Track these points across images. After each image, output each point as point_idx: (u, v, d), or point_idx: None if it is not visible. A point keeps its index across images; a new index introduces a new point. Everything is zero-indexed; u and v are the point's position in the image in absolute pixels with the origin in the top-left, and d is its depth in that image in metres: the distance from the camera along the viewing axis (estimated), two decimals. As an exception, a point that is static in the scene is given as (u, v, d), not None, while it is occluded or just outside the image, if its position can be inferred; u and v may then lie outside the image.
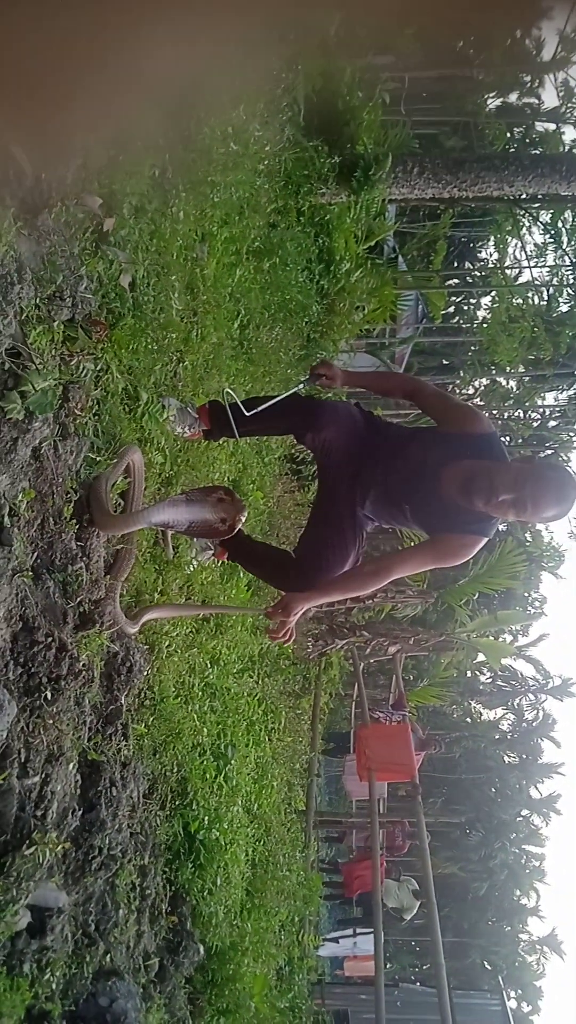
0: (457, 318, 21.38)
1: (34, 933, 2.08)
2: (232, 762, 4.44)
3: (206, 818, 3.84)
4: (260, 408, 3.22)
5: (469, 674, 17.41)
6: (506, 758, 23.24)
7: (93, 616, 2.46)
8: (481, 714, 22.77)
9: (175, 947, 3.58)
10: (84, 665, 2.41)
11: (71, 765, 2.35)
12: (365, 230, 9.23)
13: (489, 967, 22.86)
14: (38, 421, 2.04)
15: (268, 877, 5.15)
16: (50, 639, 2.18)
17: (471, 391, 20.48)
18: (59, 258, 2.35)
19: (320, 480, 3.32)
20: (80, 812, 2.41)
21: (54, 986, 2.24)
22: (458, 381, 19.18)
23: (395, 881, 10.32)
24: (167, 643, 3.62)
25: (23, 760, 2.01)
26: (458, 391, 20.91)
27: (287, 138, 6.54)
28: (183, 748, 3.75)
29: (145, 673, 3.10)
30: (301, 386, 3.26)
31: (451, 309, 21.06)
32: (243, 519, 2.84)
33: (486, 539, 2.88)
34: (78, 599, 2.42)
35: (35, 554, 2.29)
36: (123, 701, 2.87)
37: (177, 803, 3.70)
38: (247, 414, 3.23)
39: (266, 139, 5.71)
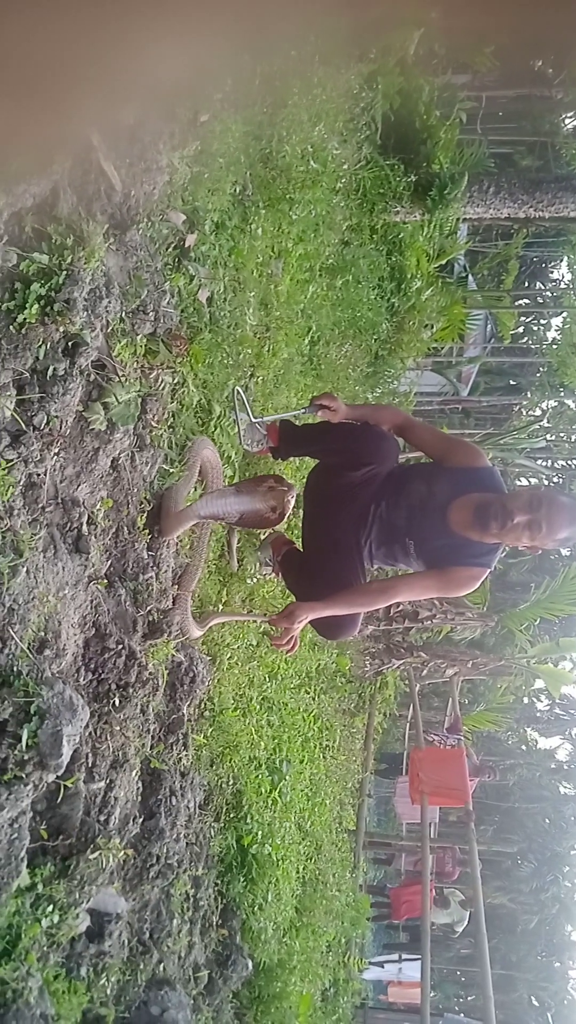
0: (526, 338, 21.13)
1: (92, 937, 2.10)
2: (287, 777, 4.43)
3: (259, 832, 3.84)
4: (278, 416, 3.34)
5: (526, 700, 17.07)
6: (562, 788, 22.70)
7: (161, 626, 2.49)
8: (537, 742, 22.32)
9: (224, 960, 3.58)
10: (151, 674, 2.44)
11: (134, 772, 2.37)
12: (437, 248, 9.22)
13: (537, 1003, 22.27)
14: (119, 432, 2.08)
15: (317, 896, 5.12)
16: (120, 646, 2.21)
17: (538, 412, 20.21)
18: (144, 273, 2.40)
19: (323, 506, 3.34)
20: (141, 819, 2.43)
21: (109, 991, 2.26)
22: (524, 402, 18.93)
23: (443, 908, 10.14)
24: (228, 655, 3.64)
25: (90, 765, 2.04)
26: (524, 412, 20.67)
27: (364, 156, 6.57)
28: (240, 761, 3.76)
29: (207, 684, 3.12)
30: (302, 412, 3.30)
31: (520, 329, 20.82)
32: (292, 502, 2.83)
33: (490, 571, 2.97)
34: (148, 608, 2.45)
35: (109, 562, 2.33)
36: (185, 711, 2.90)
37: (232, 815, 3.71)
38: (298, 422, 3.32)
39: (344, 157, 5.75)
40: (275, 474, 3.10)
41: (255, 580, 4.17)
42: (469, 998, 20.48)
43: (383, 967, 10.41)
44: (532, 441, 9.22)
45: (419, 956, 8.21)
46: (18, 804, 1.57)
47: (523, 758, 21.24)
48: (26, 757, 1.56)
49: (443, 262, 9.99)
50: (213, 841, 3.49)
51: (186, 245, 3.01)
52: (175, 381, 2.84)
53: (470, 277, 15.07)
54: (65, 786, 1.78)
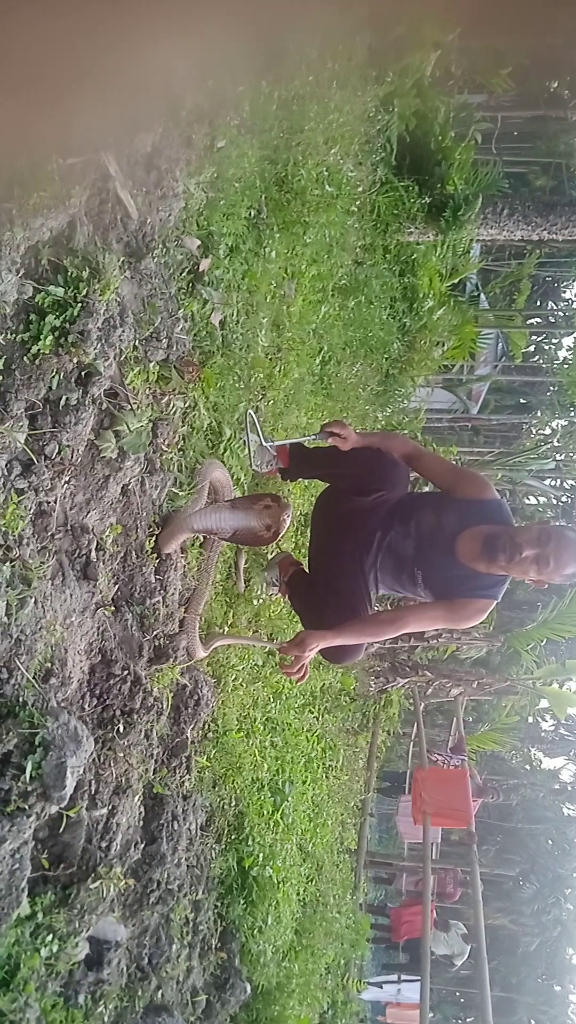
0: (537, 357, 21.14)
1: (91, 965, 2.10)
2: (289, 799, 4.42)
3: (261, 855, 3.82)
4: (289, 441, 3.34)
5: (531, 720, 16.98)
6: (566, 810, 22.53)
7: (167, 650, 2.49)
8: (541, 762, 22.17)
9: (222, 983, 3.57)
10: (156, 698, 2.44)
11: (136, 797, 2.38)
12: (450, 268, 9.25)
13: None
14: (130, 460, 2.09)
15: (317, 917, 5.10)
16: (126, 672, 2.22)
17: (548, 431, 20.19)
18: (158, 300, 2.41)
19: (330, 529, 3.35)
20: (142, 845, 2.43)
21: (106, 1019, 2.25)
22: (534, 421, 18.93)
23: (443, 932, 10.06)
24: (233, 676, 3.64)
25: (93, 792, 2.04)
26: (534, 431, 20.65)
27: (379, 178, 6.60)
28: (242, 782, 3.76)
29: (211, 707, 3.12)
30: (312, 438, 3.32)
31: (531, 348, 20.83)
32: (287, 520, 2.83)
33: (496, 602, 2.97)
34: (154, 632, 2.46)
35: (116, 587, 2.34)
36: (189, 734, 2.90)
37: (233, 837, 3.70)
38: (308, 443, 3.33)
39: (359, 179, 5.78)
40: (272, 493, 3.10)
41: (261, 600, 4.18)
42: (468, 1020, 20.34)
43: (382, 987, 10.33)
44: (541, 461, 9.20)
45: (418, 977, 8.15)
46: (20, 835, 1.58)
47: (527, 778, 21.11)
48: (30, 788, 1.57)
49: (455, 281, 10.03)
50: (214, 863, 3.48)
51: (200, 270, 3.03)
52: (186, 405, 2.85)
53: (482, 296, 15.11)
54: (68, 815, 1.78)
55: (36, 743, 1.59)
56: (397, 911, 10.68)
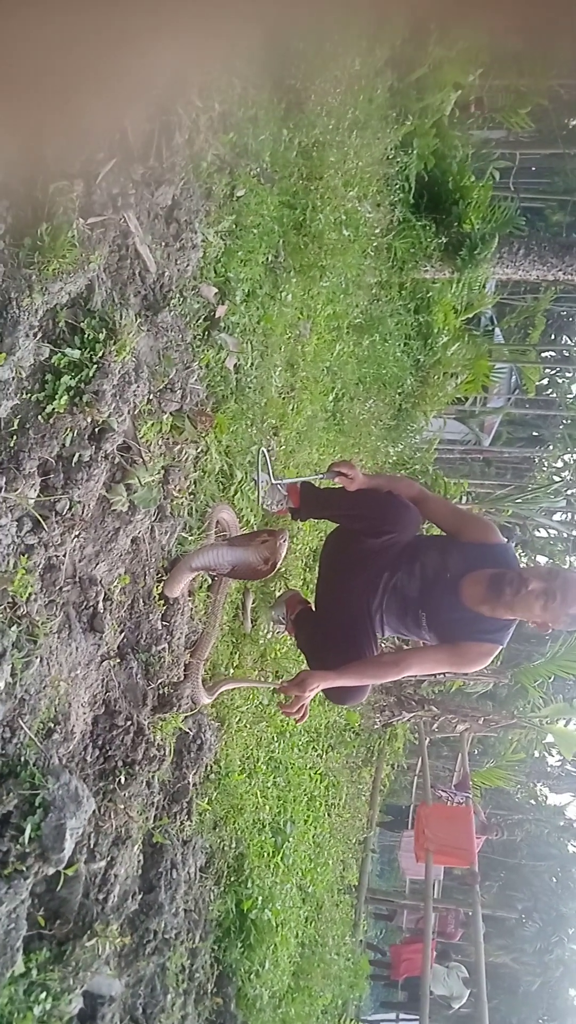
0: (551, 391, 21.14)
1: (84, 1020, 2.09)
2: (290, 839, 4.39)
3: (260, 897, 3.79)
4: (299, 480, 3.37)
5: (537, 754, 16.82)
6: (571, 847, 22.24)
7: (171, 699, 2.49)
8: (547, 798, 21.92)
9: (217, 1029, 3.53)
10: (159, 747, 2.44)
11: (136, 847, 2.37)
12: (465, 303, 9.30)
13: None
14: (140, 513, 2.10)
15: (316, 959, 5.04)
16: (129, 723, 2.22)
17: (559, 464, 20.16)
18: (174, 352, 2.44)
19: (338, 569, 3.36)
20: (140, 895, 2.42)
21: (98, 1072, 2.23)
22: (547, 454, 18.92)
23: (444, 967, 9.93)
24: (237, 718, 3.64)
25: (92, 845, 2.04)
26: (546, 464, 20.63)
27: (397, 218, 6.66)
28: (243, 823, 3.74)
29: (214, 751, 3.12)
30: (320, 477, 3.34)
31: (545, 381, 20.84)
32: (284, 548, 2.83)
33: (501, 647, 2.96)
34: (159, 680, 2.46)
35: (123, 635, 2.35)
36: (191, 779, 2.89)
37: (232, 879, 3.68)
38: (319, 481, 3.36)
39: (376, 221, 5.84)
40: (269, 529, 3.12)
41: (268, 639, 4.18)
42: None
43: (379, 1027, 10.19)
44: (551, 500, 9.19)
45: (416, 1016, 8.04)
46: (17, 897, 1.58)
47: (532, 813, 20.87)
48: (28, 850, 1.57)
49: (470, 315, 10.09)
50: (212, 905, 3.46)
51: (216, 316, 3.07)
52: (198, 451, 2.88)
53: (497, 330, 15.16)
54: (65, 874, 1.78)
55: (36, 804, 1.60)
56: (397, 949, 10.56)
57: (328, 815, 5.61)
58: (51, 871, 1.64)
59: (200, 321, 2.90)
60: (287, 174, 3.86)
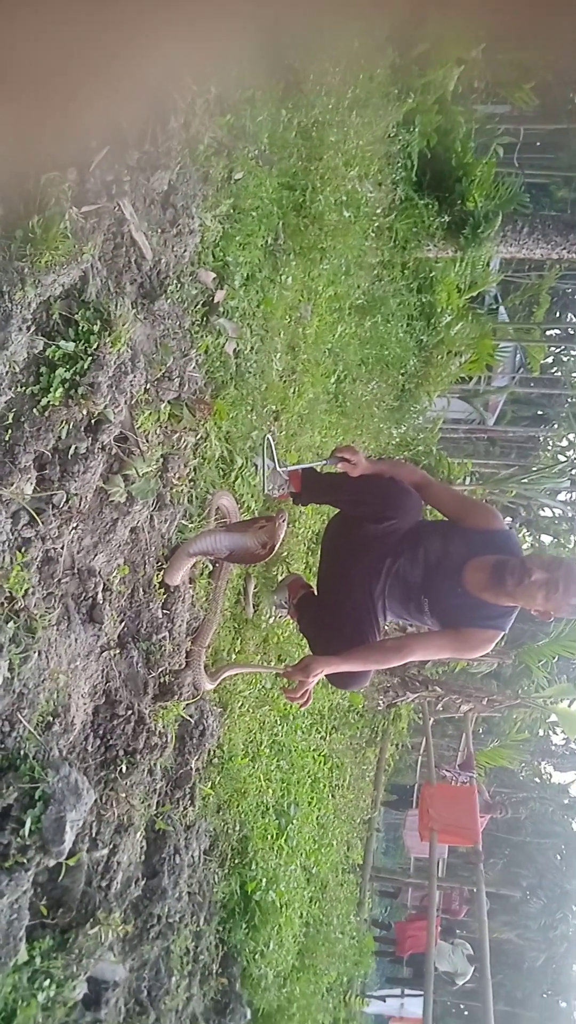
0: (556, 369, 21.03)
1: (89, 1005, 2.11)
2: (294, 821, 4.43)
3: (264, 879, 3.83)
4: (301, 466, 3.35)
5: (542, 733, 16.87)
6: (575, 824, 22.39)
7: (172, 687, 2.50)
8: (551, 776, 22.03)
9: (223, 1009, 3.57)
10: (160, 734, 2.45)
11: (138, 834, 2.39)
12: (468, 282, 9.23)
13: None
14: (138, 504, 2.10)
15: (320, 938, 5.09)
16: (130, 712, 2.23)
17: (564, 443, 20.07)
18: (171, 339, 2.43)
19: (340, 555, 3.36)
20: (143, 881, 2.44)
21: (103, 1055, 2.26)
22: (551, 434, 18.84)
23: (449, 944, 10.03)
24: (240, 703, 3.65)
25: (94, 834, 2.06)
26: (551, 443, 20.54)
27: (399, 197, 6.59)
28: (247, 807, 3.76)
29: (217, 737, 3.13)
30: (322, 463, 3.32)
31: (550, 360, 20.72)
32: (283, 529, 2.82)
33: (503, 633, 2.97)
34: (160, 669, 2.47)
35: (123, 624, 2.35)
36: (193, 765, 2.91)
37: (236, 861, 3.71)
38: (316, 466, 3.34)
39: (378, 201, 5.78)
40: (267, 515, 3.12)
41: (270, 623, 4.19)
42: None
43: (385, 1001, 10.31)
44: (556, 480, 9.16)
45: (421, 992, 8.14)
46: (19, 888, 1.59)
47: (536, 791, 20.98)
48: (28, 843, 1.58)
49: (474, 294, 10.02)
50: (217, 887, 3.49)
51: (215, 301, 3.05)
52: (198, 438, 2.87)
53: (501, 308, 15.04)
54: (67, 864, 1.80)
55: (36, 797, 1.61)
56: (402, 925, 10.66)
57: (332, 796, 5.64)
58: (52, 863, 1.66)
59: (198, 307, 2.88)
60: (286, 155, 3.81)
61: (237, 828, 3.69)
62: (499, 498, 9.77)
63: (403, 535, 3.16)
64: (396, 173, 6.48)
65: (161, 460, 2.50)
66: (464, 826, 7.81)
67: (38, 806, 1.60)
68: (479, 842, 7.70)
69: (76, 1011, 2.08)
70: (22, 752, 1.65)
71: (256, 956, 3.80)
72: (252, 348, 3.59)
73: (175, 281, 2.60)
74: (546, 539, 18.82)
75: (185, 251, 2.68)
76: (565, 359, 21.34)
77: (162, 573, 2.58)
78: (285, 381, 4.33)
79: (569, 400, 19.29)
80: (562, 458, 19.72)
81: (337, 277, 5.21)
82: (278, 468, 3.50)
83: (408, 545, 3.12)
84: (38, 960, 1.84)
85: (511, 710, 10.20)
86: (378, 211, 5.79)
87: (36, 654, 1.68)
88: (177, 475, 2.65)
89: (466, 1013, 20.90)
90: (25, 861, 1.58)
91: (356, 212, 4.89)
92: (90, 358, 1.77)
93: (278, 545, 2.71)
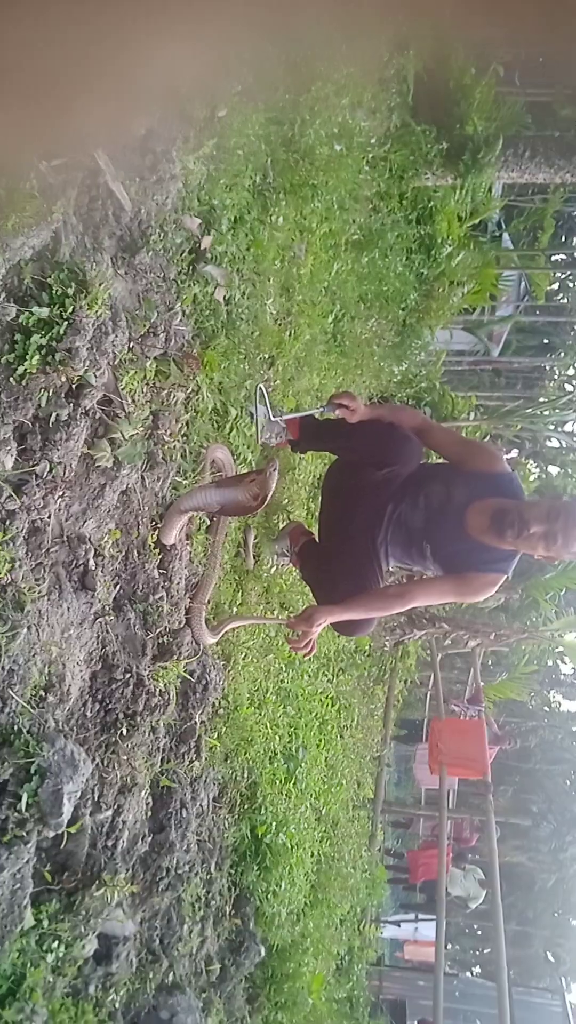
0: (561, 295, 20.64)
1: (100, 960, 2.15)
2: (303, 764, 4.48)
3: (274, 823, 3.89)
4: (298, 414, 3.28)
5: (550, 663, 17.05)
6: (584, 751, 22.85)
7: (171, 647, 2.49)
8: (560, 704, 22.36)
9: (237, 947, 3.66)
10: (162, 693, 2.45)
11: (143, 792, 2.40)
12: (470, 210, 8.98)
13: (552, 959, 22.77)
14: (126, 468, 2.06)
15: (333, 873, 5.21)
16: (128, 675, 2.22)
17: (571, 372, 19.81)
18: (155, 293, 2.35)
19: (341, 502, 3.33)
20: (150, 837, 2.46)
21: (117, 1005, 2.32)
22: (557, 362, 18.60)
23: (460, 870, 10.31)
24: (243, 654, 3.65)
25: (97, 797, 2.07)
26: (557, 372, 20.29)
27: (394, 124, 6.36)
28: (255, 754, 3.80)
29: (220, 690, 3.14)
30: (320, 410, 3.26)
31: (555, 286, 20.32)
32: (274, 479, 2.78)
33: (507, 576, 2.95)
34: (157, 630, 2.45)
35: (118, 587, 2.33)
36: (197, 719, 2.92)
37: (246, 807, 3.76)
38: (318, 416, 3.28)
39: (372, 130, 5.57)
40: (257, 469, 3.07)
41: (272, 572, 4.18)
42: (485, 951, 20.96)
43: (399, 926, 10.64)
44: (561, 414, 9.05)
45: (435, 916, 8.39)
46: (19, 860, 1.60)
47: (545, 720, 21.32)
48: (26, 816, 1.58)
49: (476, 221, 9.77)
50: (227, 833, 3.55)
51: (201, 248, 2.95)
52: (188, 392, 2.80)
53: (505, 235, 14.70)
54: (69, 832, 1.81)
55: (32, 771, 1.61)
56: (414, 854, 10.95)
57: (340, 737, 5.71)
58: (52, 834, 1.66)
59: (184, 255, 2.78)
60: (273, 88, 3.65)
61: (245, 775, 3.73)
62: (504, 432, 9.67)
63: (404, 481, 3.13)
64: (391, 99, 6.24)
65: (150, 418, 2.45)
66: (473, 759, 7.93)
67: (34, 780, 1.60)
68: (488, 774, 7.82)
69: (87, 967, 2.12)
70: (16, 727, 1.64)
71: (268, 896, 3.88)
72: (243, 293, 3.50)
73: (157, 231, 2.51)
74: (553, 470, 18.76)
75: (167, 198, 2.58)
76: (571, 285, 20.92)
77: (157, 533, 2.55)
78: (280, 324, 4.23)
79: (575, 328, 19.01)
80: (568, 388, 19.51)
81: (331, 213, 5.05)
82: (272, 418, 3.44)
83: (409, 491, 3.10)
84: (45, 923, 1.87)
85: (519, 643, 10.28)
86: (372, 141, 5.58)
87: (25, 629, 1.66)
88: (168, 431, 2.60)
89: (479, 933, 21.64)
90: (24, 834, 1.58)
91: (349, 144, 4.72)
92: (66, 322, 1.70)
93: (270, 496, 2.67)
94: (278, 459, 2.77)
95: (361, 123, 5.33)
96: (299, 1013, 4.34)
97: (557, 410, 8.87)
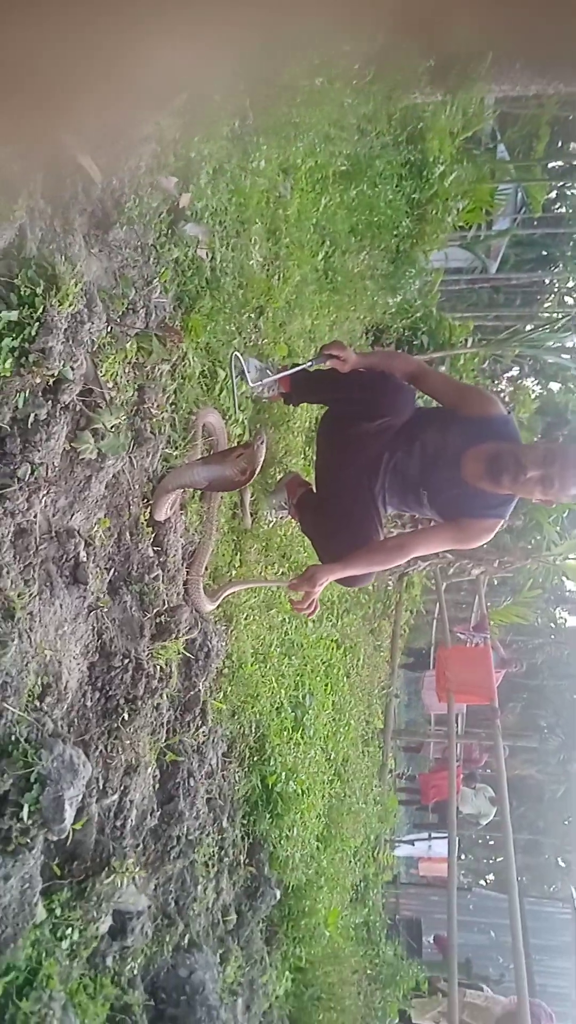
0: (559, 204, 20.06)
1: (115, 935, 2.21)
2: (310, 711, 4.54)
3: (283, 772, 3.96)
4: (287, 372, 3.23)
5: (556, 581, 17.16)
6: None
7: (170, 626, 2.49)
8: (566, 621, 22.64)
9: (252, 892, 3.77)
10: (161, 671, 2.46)
11: (149, 769, 2.44)
12: (461, 124, 8.67)
13: (563, 864, 23.67)
14: (111, 459, 2.02)
15: (344, 809, 5.34)
16: (127, 660, 2.22)
17: (571, 284, 19.41)
18: (132, 268, 2.27)
19: (337, 454, 3.29)
20: (158, 810, 2.51)
21: (136, 971, 2.40)
22: (556, 275, 18.21)
23: (471, 789, 10.59)
24: (245, 614, 3.66)
25: (102, 785, 2.09)
26: (557, 283, 19.88)
27: (378, 44, 6.05)
28: (261, 707, 3.85)
29: (223, 654, 3.16)
30: (311, 363, 3.18)
31: (553, 194, 19.72)
32: (262, 452, 2.75)
33: (504, 521, 2.95)
34: (155, 610, 2.45)
35: (112, 571, 2.31)
36: (201, 687, 2.94)
37: (255, 759, 3.82)
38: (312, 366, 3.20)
39: (354, 55, 5.30)
40: (245, 442, 3.02)
41: (272, 524, 4.16)
42: (497, 859, 21.73)
43: (413, 844, 10.99)
44: (560, 336, 8.88)
45: (447, 834, 8.65)
46: (25, 866, 1.62)
47: (552, 636, 21.61)
48: (29, 824, 1.60)
49: (470, 133, 9.46)
50: (237, 787, 3.61)
51: (180, 207, 2.84)
52: (174, 360, 2.73)
53: (500, 146, 14.21)
54: (74, 829, 1.83)
55: (32, 780, 1.62)
56: (426, 776, 11.23)
57: (347, 677, 5.78)
58: (55, 838, 1.68)
59: (162, 218, 2.68)
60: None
61: (253, 728, 3.79)
62: (501, 359, 9.53)
63: (399, 429, 3.10)
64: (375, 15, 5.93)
65: (135, 394, 2.40)
66: (480, 686, 8.05)
67: (35, 788, 1.61)
68: (495, 700, 7.95)
69: (103, 943, 2.18)
70: (13, 737, 1.65)
71: (281, 841, 3.98)
72: (228, 245, 3.39)
73: (132, 197, 2.40)
74: (555, 386, 18.56)
75: (140, 161, 2.46)
76: (569, 192, 20.32)
77: (148, 510, 2.52)
78: (268, 270, 4.12)
79: (575, 238, 18.54)
80: (569, 300, 19.11)
81: (316, 147, 4.86)
82: (251, 385, 3.37)
83: (404, 439, 3.07)
84: (58, 911, 1.91)
85: (523, 569, 10.32)
86: (356, 67, 5.32)
87: (16, 638, 1.64)
88: (156, 404, 2.55)
89: (491, 843, 22.38)
90: (28, 840, 1.61)
91: (330, 75, 4.50)
92: (37, 323, 1.64)
93: (259, 467, 2.63)
94: (265, 434, 2.72)
95: (343, 47, 5.07)
96: (316, 946, 4.51)
97: (554, 332, 8.69)
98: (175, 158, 2.85)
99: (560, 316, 10.27)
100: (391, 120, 7.09)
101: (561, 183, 19.56)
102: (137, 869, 2.12)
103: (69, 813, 1.66)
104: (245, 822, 3.73)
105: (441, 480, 2.96)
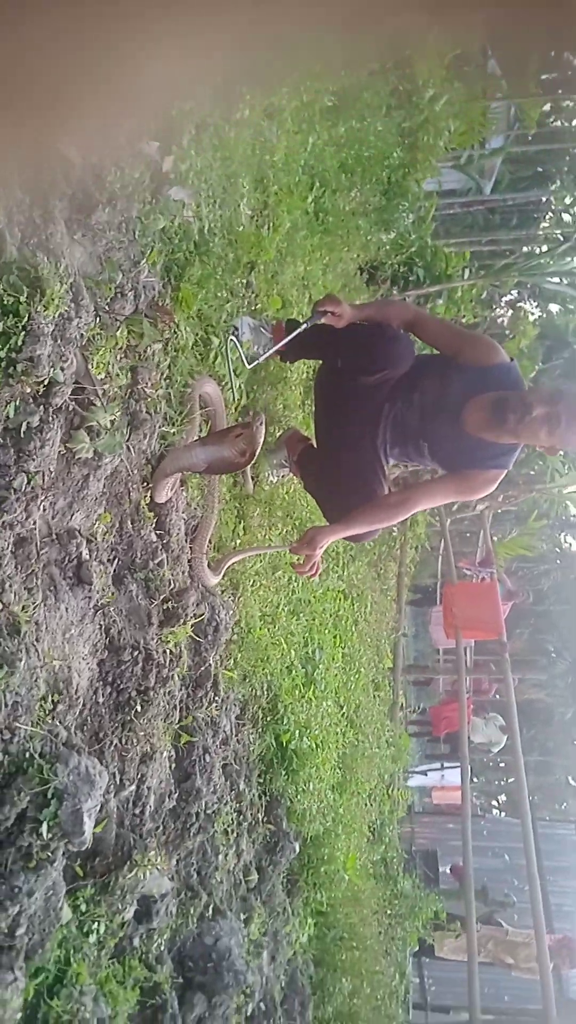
0: (554, 118, 19.40)
1: (140, 919, 2.25)
2: (320, 665, 4.57)
3: (297, 730, 4.00)
4: (293, 335, 3.12)
5: (559, 510, 17.18)
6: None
7: (177, 611, 2.47)
8: (571, 545, 22.73)
9: (272, 847, 3.84)
10: (171, 655, 2.46)
11: (164, 753, 2.45)
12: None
13: (574, 782, 24.29)
14: (108, 457, 1.97)
15: (358, 755, 5.42)
16: (136, 652, 2.21)
17: (568, 200, 18.87)
18: (117, 251, 2.18)
19: (336, 408, 3.25)
20: (176, 791, 2.53)
21: (163, 947, 2.45)
22: (553, 193, 17.73)
23: (482, 719, 10.77)
24: (251, 581, 3.65)
25: (119, 779, 2.10)
26: (554, 201, 19.34)
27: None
28: (272, 669, 3.87)
29: (231, 627, 3.15)
30: (306, 324, 3.10)
31: (547, 107, 19.06)
32: (261, 433, 2.71)
33: (506, 472, 2.90)
34: (161, 596, 2.43)
35: (115, 561, 2.29)
36: (211, 661, 2.94)
37: (268, 719, 3.86)
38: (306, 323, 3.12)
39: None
40: (243, 421, 2.97)
41: (274, 482, 4.12)
42: (510, 780, 22.29)
43: (426, 775, 11.23)
44: (559, 264, 8.67)
45: (459, 764, 8.83)
46: (49, 878, 1.64)
47: (558, 561, 21.73)
48: (48, 839, 1.61)
49: (459, 50, 9.05)
50: (252, 748, 3.66)
51: (164, 171, 2.73)
52: (165, 337, 2.66)
53: (492, 61, 13.67)
54: (95, 833, 1.84)
55: (49, 796, 1.62)
56: (437, 709, 11.42)
57: (356, 625, 5.81)
58: (75, 849, 1.69)
59: (146, 185, 2.57)
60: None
61: (265, 690, 3.81)
62: (500, 290, 9.33)
63: (398, 380, 3.03)
64: None
65: (129, 376, 2.34)
66: (487, 621, 8.11)
67: (52, 804, 1.61)
68: (503, 633, 8.01)
69: (129, 927, 2.22)
70: (28, 753, 1.64)
71: (298, 795, 4.04)
72: (215, 202, 3.27)
73: (114, 171, 2.30)
74: (554, 308, 18.23)
75: (119, 133, 2.35)
76: (564, 104, 19.61)
77: (148, 495, 2.48)
78: (257, 221, 4.00)
79: (572, 151, 17.97)
80: (567, 217, 18.63)
81: (302, 83, 4.66)
82: (247, 366, 3.29)
83: (403, 390, 3.02)
84: (83, 908, 1.94)
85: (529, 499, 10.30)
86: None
87: (24, 654, 1.63)
88: (150, 383, 2.48)
89: (502, 765, 22.91)
90: (49, 854, 1.61)
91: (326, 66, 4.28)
92: (23, 331, 1.58)
93: (258, 450, 2.58)
94: (263, 415, 2.66)
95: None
96: (336, 890, 4.63)
97: (552, 261, 8.49)
98: (156, 120, 2.72)
99: (559, 235, 10.01)
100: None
101: (556, 95, 18.89)
102: (159, 860, 2.14)
103: (88, 824, 1.66)
104: (261, 781, 3.79)
105: (442, 431, 2.91)
